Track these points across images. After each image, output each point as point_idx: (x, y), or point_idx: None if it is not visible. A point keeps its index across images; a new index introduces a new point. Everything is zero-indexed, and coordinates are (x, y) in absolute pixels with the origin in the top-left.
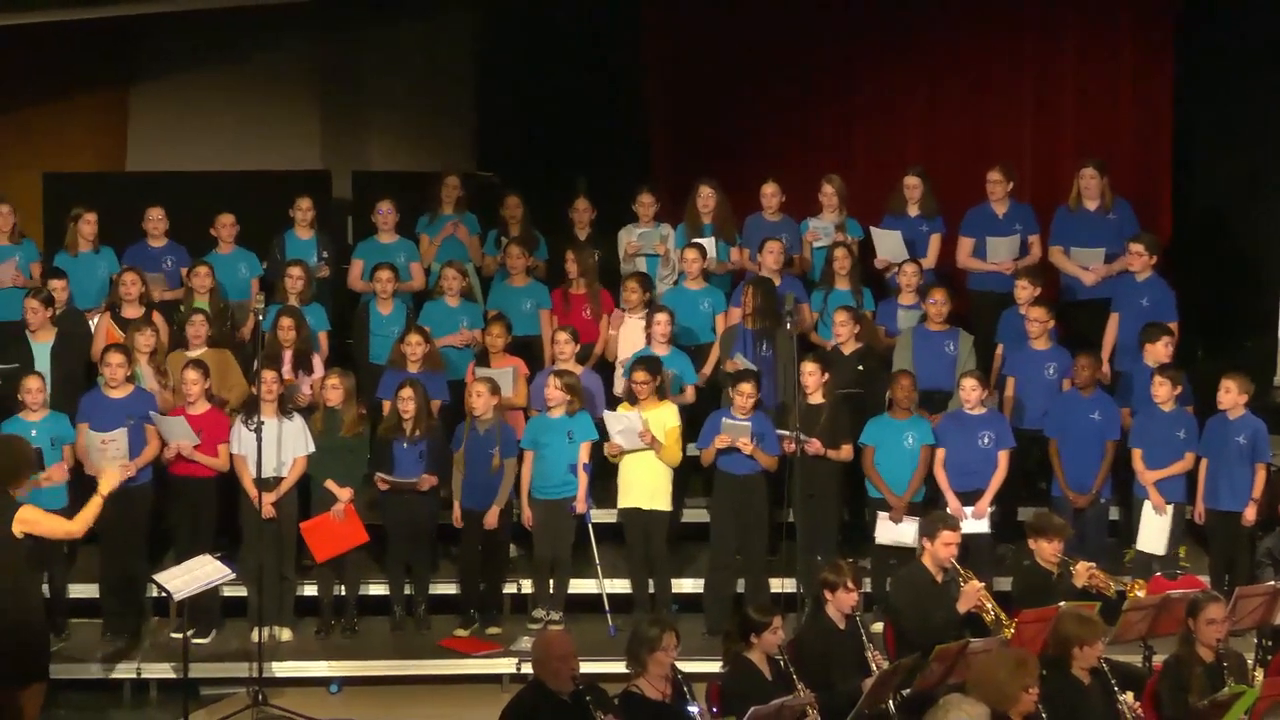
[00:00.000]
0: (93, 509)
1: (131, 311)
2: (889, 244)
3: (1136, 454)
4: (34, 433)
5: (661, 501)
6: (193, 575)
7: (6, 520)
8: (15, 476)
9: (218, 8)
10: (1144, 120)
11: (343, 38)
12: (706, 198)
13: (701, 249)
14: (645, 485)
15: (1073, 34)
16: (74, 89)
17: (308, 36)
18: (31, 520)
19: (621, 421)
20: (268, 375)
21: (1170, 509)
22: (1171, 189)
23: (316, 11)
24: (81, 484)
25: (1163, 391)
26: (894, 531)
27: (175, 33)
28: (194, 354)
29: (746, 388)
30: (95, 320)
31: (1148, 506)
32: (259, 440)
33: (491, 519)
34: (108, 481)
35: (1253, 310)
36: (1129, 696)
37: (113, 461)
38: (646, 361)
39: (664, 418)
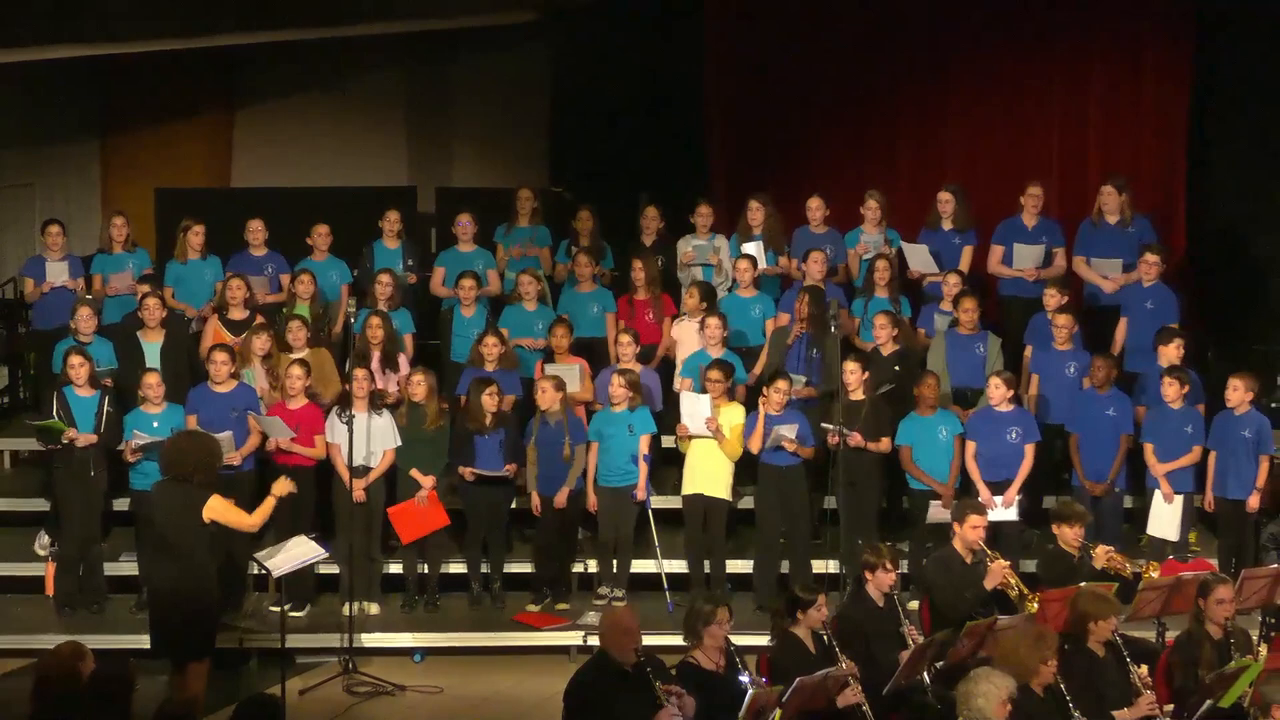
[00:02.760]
0: (268, 507)
1: (237, 314)
2: (918, 256)
3: (1148, 448)
4: (155, 424)
5: (722, 490)
6: (290, 554)
7: (198, 508)
8: (208, 469)
9: (316, 39)
10: (1162, 141)
11: (429, 66)
12: (755, 211)
13: (752, 259)
14: (709, 474)
15: (1098, 62)
16: (185, 112)
17: (397, 65)
18: (218, 510)
19: (691, 401)
20: (359, 373)
21: (1179, 499)
22: (1186, 205)
23: (405, 43)
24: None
25: (1172, 391)
26: (943, 515)
27: (277, 61)
28: (297, 354)
29: (782, 384)
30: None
31: (1158, 496)
32: (350, 432)
33: (561, 499)
34: (282, 486)
35: (1259, 315)
36: (1143, 669)
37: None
38: (721, 364)
39: (730, 416)
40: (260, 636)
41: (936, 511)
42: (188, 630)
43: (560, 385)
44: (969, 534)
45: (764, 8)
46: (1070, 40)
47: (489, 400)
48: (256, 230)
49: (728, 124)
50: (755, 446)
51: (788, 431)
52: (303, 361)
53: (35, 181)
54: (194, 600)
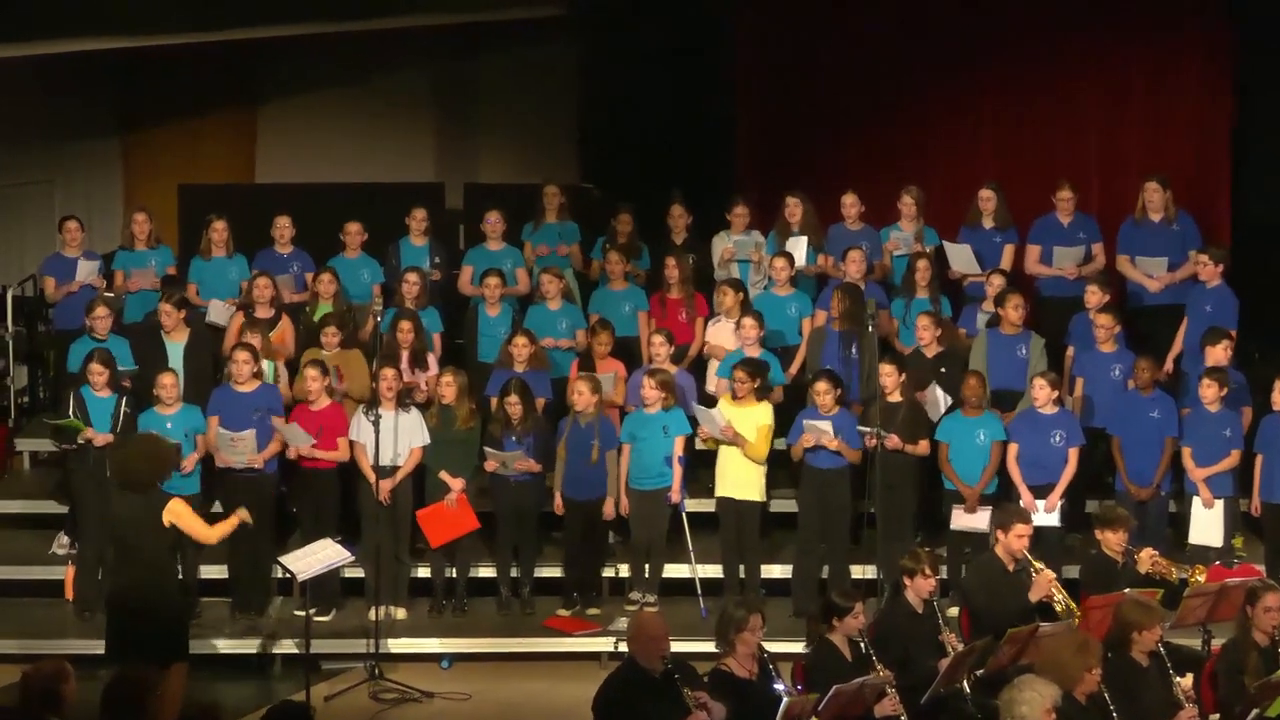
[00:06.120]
0: (229, 526)
1: (263, 313)
2: (961, 257)
3: (1186, 452)
4: (169, 425)
5: (753, 492)
6: (315, 558)
7: (158, 511)
8: (162, 473)
9: (341, 32)
10: (1204, 136)
11: (456, 61)
12: (794, 207)
13: (790, 257)
14: (739, 477)
15: (1137, 57)
16: (207, 107)
17: (424, 60)
18: (179, 514)
19: (707, 416)
20: (387, 373)
21: (1220, 504)
22: (1230, 202)
23: (432, 37)
24: (212, 473)
25: (1210, 393)
26: (967, 519)
27: (301, 55)
28: (323, 354)
29: (822, 385)
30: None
31: (1197, 502)
32: (377, 432)
33: (609, 510)
34: (247, 515)
35: None
36: (1186, 680)
37: (239, 456)
38: (751, 363)
39: (758, 416)
40: (285, 641)
41: (959, 517)
42: (156, 634)
43: (596, 387)
44: (1013, 542)
45: (796, 1)
46: (1109, 33)
47: (516, 409)
48: (283, 228)
49: (759, 119)
50: (797, 454)
51: (823, 425)
52: (317, 362)
53: (56, 178)
54: (160, 603)
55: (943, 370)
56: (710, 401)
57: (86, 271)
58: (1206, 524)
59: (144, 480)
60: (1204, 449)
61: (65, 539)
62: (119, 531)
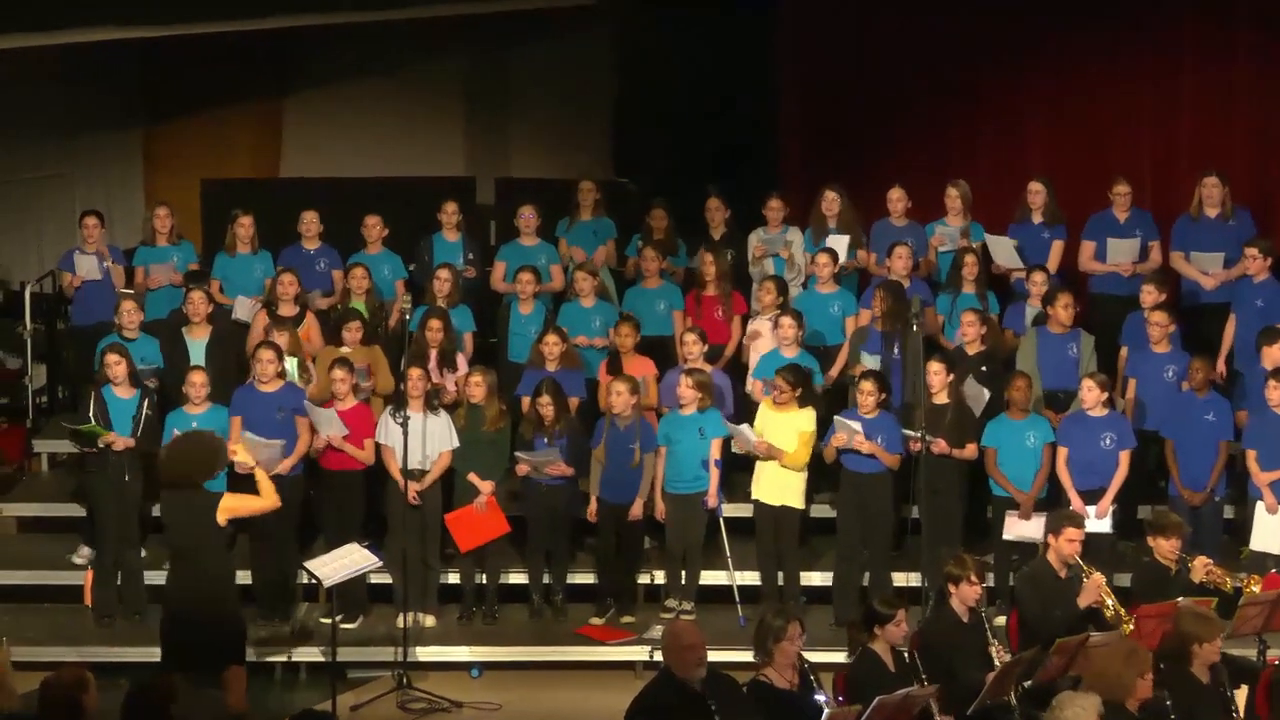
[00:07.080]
0: (263, 480)
1: (287, 310)
2: (1004, 251)
3: (1251, 455)
4: (195, 425)
5: (792, 498)
6: (341, 563)
7: (212, 512)
8: (211, 471)
9: (369, 22)
10: (1261, 130)
11: (488, 53)
12: (831, 202)
13: (833, 253)
14: (775, 480)
15: (1190, 46)
16: (231, 99)
17: (454, 51)
18: (235, 507)
19: (740, 434)
20: (414, 373)
21: None
22: None
23: (463, 28)
24: (233, 474)
25: (1276, 395)
26: (1021, 528)
27: (328, 46)
28: (343, 350)
29: (867, 385)
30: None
31: (1260, 507)
32: (405, 434)
33: (636, 510)
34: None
35: None
36: (1241, 691)
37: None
38: (794, 369)
39: (800, 422)
40: (309, 649)
41: (1013, 524)
42: (214, 639)
43: (635, 389)
44: (1065, 547)
45: None
46: (1162, 24)
47: (549, 410)
48: (310, 222)
49: (802, 111)
50: (829, 455)
51: (853, 424)
52: (344, 360)
53: (75, 171)
54: (214, 606)
55: (984, 369)
56: (747, 401)
57: (87, 268)
58: (1270, 530)
59: (194, 478)
60: (1270, 452)
61: (86, 550)
62: (169, 535)
